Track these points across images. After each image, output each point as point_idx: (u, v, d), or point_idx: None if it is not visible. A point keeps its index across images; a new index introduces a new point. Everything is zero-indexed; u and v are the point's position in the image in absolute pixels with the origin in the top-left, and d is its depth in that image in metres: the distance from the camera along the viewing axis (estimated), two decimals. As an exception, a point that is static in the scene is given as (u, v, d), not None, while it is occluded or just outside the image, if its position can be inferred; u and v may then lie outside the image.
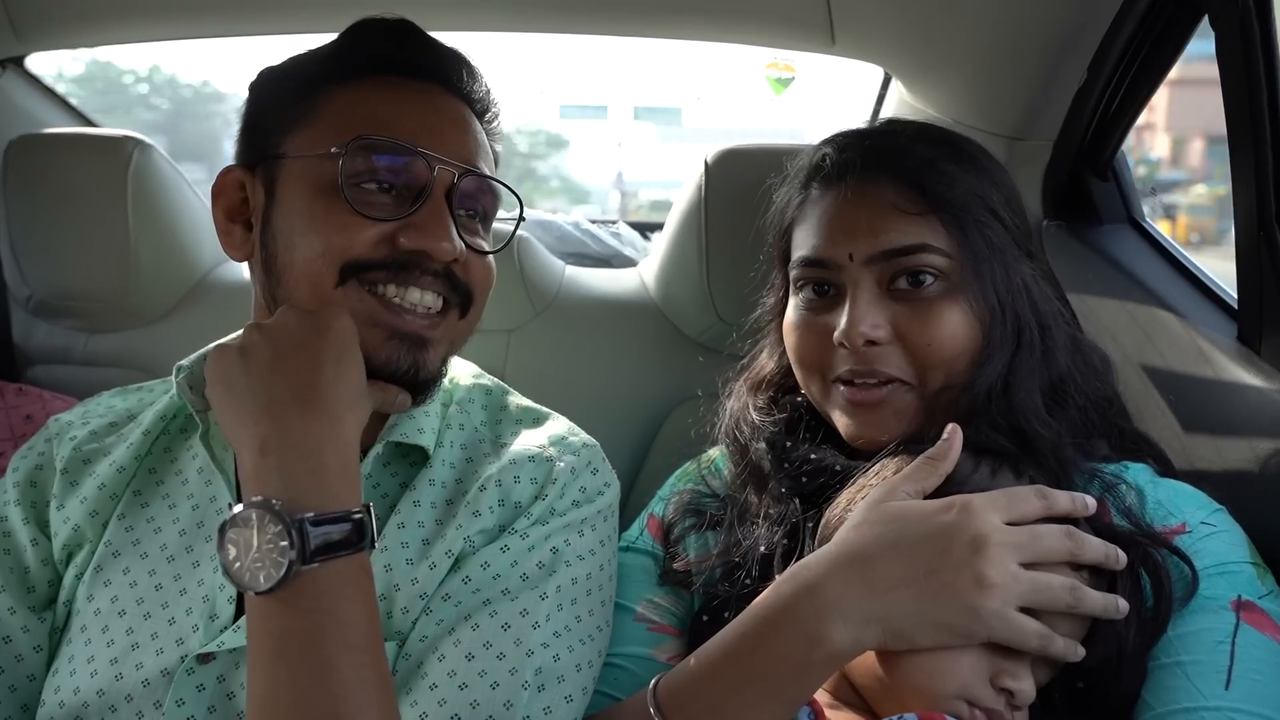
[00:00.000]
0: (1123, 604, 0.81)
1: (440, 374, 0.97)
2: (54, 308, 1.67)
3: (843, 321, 0.97)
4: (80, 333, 1.71)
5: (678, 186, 1.57)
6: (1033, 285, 1.01)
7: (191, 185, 1.72)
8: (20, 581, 0.95)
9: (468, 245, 0.94)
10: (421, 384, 0.94)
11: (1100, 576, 0.85)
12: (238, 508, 0.78)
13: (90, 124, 1.98)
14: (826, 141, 1.07)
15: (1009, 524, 0.81)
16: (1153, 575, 0.85)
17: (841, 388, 1.00)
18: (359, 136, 0.90)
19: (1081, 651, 0.81)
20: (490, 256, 0.99)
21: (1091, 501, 0.85)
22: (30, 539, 0.96)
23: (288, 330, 0.87)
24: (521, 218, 1.06)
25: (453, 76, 0.99)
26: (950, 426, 0.88)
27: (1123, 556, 0.83)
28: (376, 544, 0.83)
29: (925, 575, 0.78)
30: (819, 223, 1.02)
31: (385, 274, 0.91)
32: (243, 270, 1.75)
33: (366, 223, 0.90)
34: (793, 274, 1.05)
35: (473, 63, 1.00)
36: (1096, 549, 0.83)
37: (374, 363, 0.90)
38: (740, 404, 1.13)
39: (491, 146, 1.02)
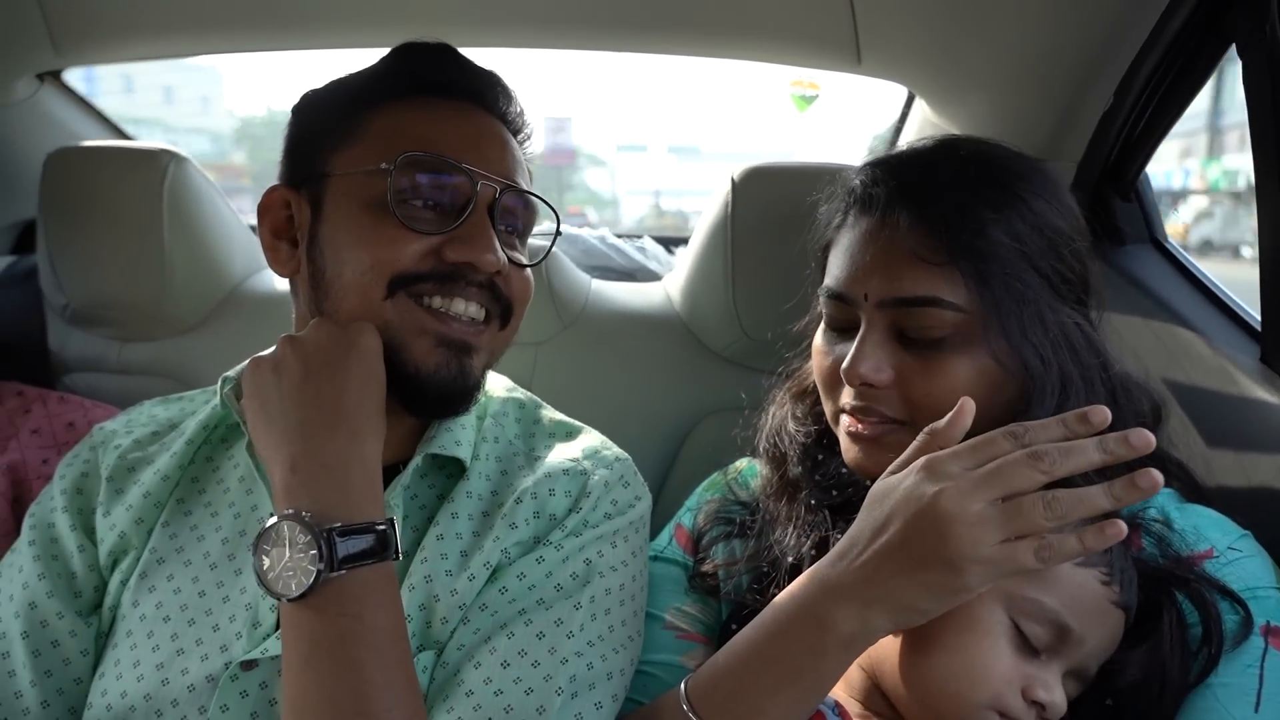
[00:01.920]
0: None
1: (481, 383, 0.99)
2: (89, 316, 1.69)
3: (847, 358, 0.97)
4: (114, 341, 1.74)
5: (685, 194, 1.58)
6: (1075, 335, 0.96)
7: (225, 199, 1.75)
8: (68, 586, 0.97)
9: (508, 259, 0.96)
10: (466, 391, 0.96)
11: (1128, 598, 0.85)
12: (270, 521, 0.82)
13: (126, 137, 2.02)
14: (865, 166, 1.04)
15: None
16: (1201, 610, 0.85)
17: (845, 417, 1.00)
18: (406, 153, 0.92)
19: (1122, 528, 0.72)
20: (528, 270, 1.01)
21: (1104, 412, 0.75)
22: (78, 545, 0.98)
23: (319, 347, 0.90)
24: (558, 232, 1.08)
25: (490, 97, 1.01)
26: (962, 399, 0.83)
27: (1150, 436, 0.73)
28: (401, 554, 0.86)
29: (900, 548, 0.76)
30: (845, 254, 1.01)
31: (432, 285, 0.93)
32: (272, 282, 1.78)
33: (413, 236, 0.92)
34: (820, 298, 1.05)
35: (508, 84, 1.03)
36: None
37: (422, 371, 0.93)
38: (783, 413, 1.14)
39: (526, 164, 1.04)
